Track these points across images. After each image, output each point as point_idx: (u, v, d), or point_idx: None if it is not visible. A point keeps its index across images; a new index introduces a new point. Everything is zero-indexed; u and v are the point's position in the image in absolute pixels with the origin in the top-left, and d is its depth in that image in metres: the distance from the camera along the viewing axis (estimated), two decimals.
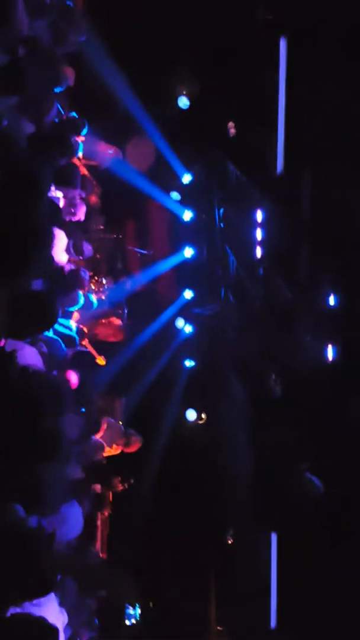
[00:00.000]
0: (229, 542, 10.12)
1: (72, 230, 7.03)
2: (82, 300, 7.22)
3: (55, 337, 5.76)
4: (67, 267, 6.72)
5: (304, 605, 7.76)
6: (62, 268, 6.56)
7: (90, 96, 8.09)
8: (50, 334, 5.63)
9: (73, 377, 5.40)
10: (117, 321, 9.55)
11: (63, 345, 5.76)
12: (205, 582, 10.14)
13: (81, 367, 6.11)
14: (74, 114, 7.08)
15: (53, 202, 6.08)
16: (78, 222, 7.54)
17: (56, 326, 5.71)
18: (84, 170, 8.74)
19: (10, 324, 3.81)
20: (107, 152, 9.14)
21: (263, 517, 8.15)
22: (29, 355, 4.39)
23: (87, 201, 8.25)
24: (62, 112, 6.94)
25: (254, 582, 9.18)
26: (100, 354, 8.48)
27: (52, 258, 6.01)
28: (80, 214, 7.33)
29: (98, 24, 7.23)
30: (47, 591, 3.54)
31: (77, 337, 6.51)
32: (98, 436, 6.90)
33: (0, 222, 3.25)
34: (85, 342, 8.01)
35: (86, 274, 7.03)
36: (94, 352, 8.27)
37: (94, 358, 8.10)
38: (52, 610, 4.22)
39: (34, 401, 3.36)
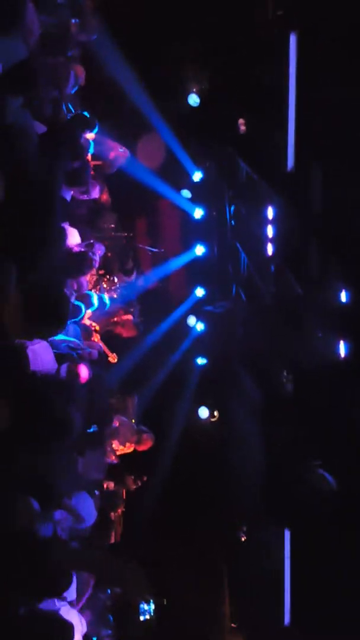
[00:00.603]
0: (242, 539, 10.13)
1: (84, 229, 7.03)
2: (96, 302, 7.24)
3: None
4: (76, 249, 6.67)
5: (318, 601, 7.76)
6: (71, 250, 6.51)
7: (101, 94, 8.11)
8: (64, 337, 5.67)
9: (83, 371, 5.41)
10: (129, 317, 9.57)
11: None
12: (219, 579, 10.17)
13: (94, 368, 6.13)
14: (85, 112, 7.10)
15: (63, 200, 6.10)
16: (90, 216, 7.54)
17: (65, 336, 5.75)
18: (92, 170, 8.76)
19: (21, 324, 3.82)
20: (118, 151, 9.15)
21: (276, 513, 8.15)
22: (40, 350, 4.41)
23: (99, 199, 8.28)
24: (73, 110, 6.97)
25: (267, 578, 9.18)
26: (112, 352, 8.50)
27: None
28: (94, 193, 7.33)
29: (109, 23, 7.25)
30: (58, 593, 3.59)
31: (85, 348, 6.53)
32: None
33: (15, 223, 3.28)
34: (97, 338, 8.04)
35: (95, 255, 6.93)
36: (106, 349, 8.30)
37: (106, 357, 8.13)
38: (71, 616, 4.27)
39: (41, 392, 3.40)
